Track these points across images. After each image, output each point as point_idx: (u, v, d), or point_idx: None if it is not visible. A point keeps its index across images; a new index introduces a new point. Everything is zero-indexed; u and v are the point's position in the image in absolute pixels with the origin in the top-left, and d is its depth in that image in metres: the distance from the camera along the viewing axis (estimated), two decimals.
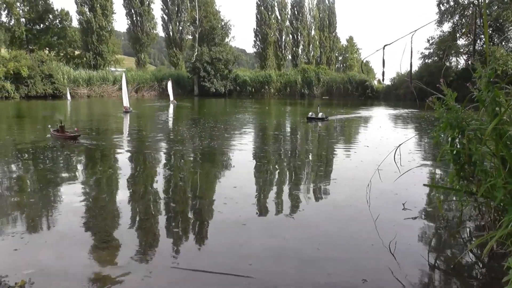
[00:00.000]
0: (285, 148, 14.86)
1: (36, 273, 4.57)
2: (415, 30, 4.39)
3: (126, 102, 30.47)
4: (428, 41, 55.16)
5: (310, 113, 25.22)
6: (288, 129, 20.50)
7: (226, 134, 17.96)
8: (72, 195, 7.86)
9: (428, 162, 11.40)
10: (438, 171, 10.01)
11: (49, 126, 17.22)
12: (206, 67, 61.94)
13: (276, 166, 11.35)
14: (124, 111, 29.70)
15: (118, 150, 14.06)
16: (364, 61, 63.21)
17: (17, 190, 8.48)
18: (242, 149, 13.97)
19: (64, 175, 9.92)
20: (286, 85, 66.81)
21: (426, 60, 54.71)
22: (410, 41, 4.42)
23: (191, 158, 12.63)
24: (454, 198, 6.88)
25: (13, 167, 10.83)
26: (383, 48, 4.51)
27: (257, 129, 21.40)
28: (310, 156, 13.35)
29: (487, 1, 44.21)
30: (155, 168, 11.16)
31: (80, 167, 11.04)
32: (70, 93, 50.83)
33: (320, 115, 24.60)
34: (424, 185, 8.38)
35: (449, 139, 5.77)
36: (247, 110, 35.92)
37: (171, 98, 43.81)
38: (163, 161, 12.22)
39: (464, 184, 5.72)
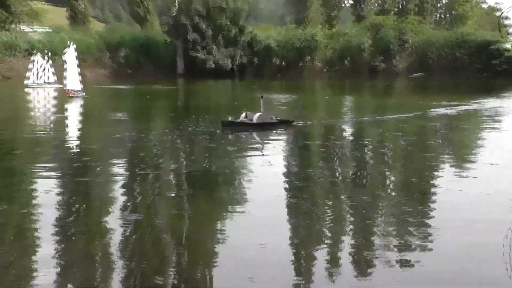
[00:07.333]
0: (344, 171, 9.01)
1: None
2: None
3: (74, 84, 23.83)
4: None
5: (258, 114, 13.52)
6: (348, 135, 14.21)
7: (229, 148, 11.80)
8: None
9: None
10: None
11: None
12: (197, 24, 38.39)
13: (328, 207, 6.55)
14: (71, 96, 23.27)
15: (42, 174, 8.56)
16: (502, 15, 44.47)
17: None
18: (261, 174, 8.64)
19: None
20: (343, 55, 43.16)
21: None
22: None
23: (173, 190, 7.66)
24: None
25: None
26: None
27: (288, 135, 13.65)
28: (388, 185, 7.95)
29: None
30: (105, 208, 6.42)
31: None
32: None
33: (255, 117, 13.25)
34: None
35: None
36: (273, 102, 22.20)
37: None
38: (121, 195, 7.24)
39: None
